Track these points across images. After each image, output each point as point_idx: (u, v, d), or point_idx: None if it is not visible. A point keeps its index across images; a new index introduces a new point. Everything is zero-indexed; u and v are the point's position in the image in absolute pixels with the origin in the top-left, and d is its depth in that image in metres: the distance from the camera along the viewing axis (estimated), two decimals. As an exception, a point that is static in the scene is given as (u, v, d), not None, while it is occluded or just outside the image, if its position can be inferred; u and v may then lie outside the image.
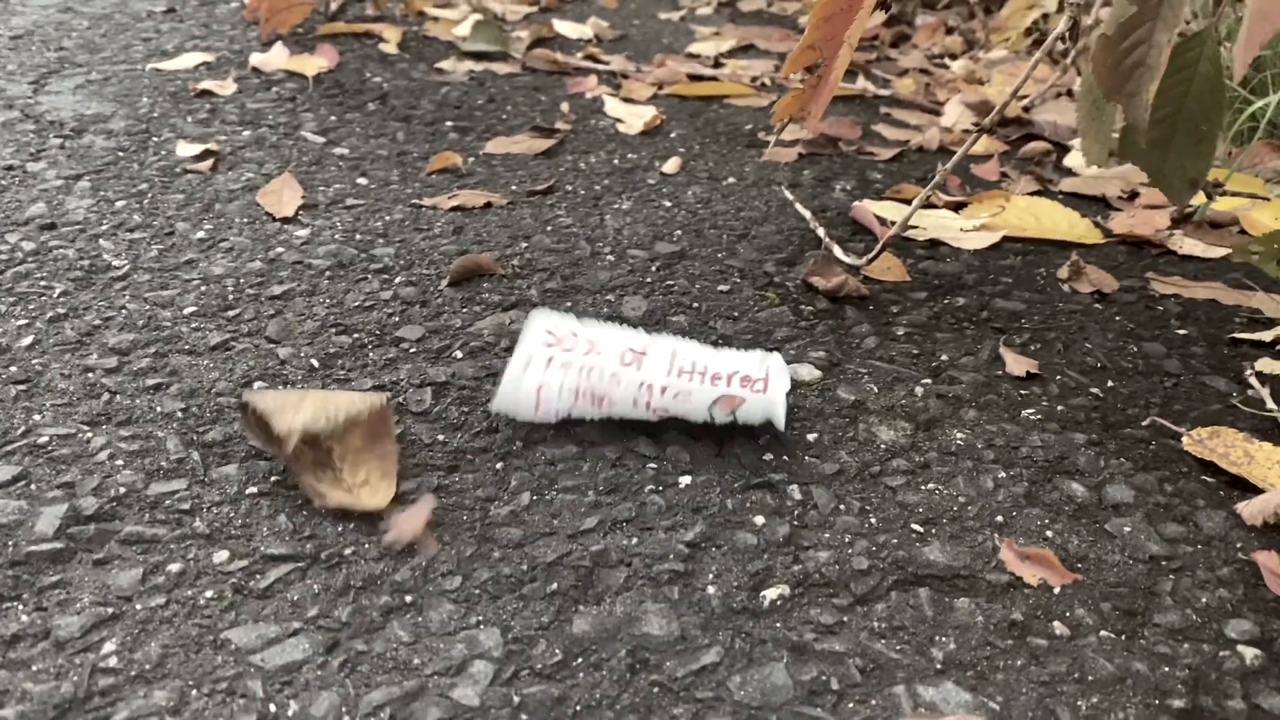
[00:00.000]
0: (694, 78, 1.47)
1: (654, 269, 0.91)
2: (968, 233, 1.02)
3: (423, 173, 1.11)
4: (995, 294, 0.90)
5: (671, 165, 1.16)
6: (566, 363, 0.68)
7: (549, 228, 0.99)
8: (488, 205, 1.03)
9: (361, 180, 1.09)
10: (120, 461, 0.64)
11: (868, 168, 1.20)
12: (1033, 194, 1.14)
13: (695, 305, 0.85)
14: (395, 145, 1.19)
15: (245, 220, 0.98)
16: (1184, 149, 0.74)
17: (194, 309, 0.82)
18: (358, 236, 0.95)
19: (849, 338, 0.82)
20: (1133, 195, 1.15)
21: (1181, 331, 0.85)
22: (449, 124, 1.27)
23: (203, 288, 0.85)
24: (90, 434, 0.67)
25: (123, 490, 0.62)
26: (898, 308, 0.87)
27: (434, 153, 1.17)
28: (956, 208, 1.08)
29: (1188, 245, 1.01)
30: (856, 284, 0.87)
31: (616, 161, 1.18)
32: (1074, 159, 1.24)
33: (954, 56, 1.64)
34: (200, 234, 0.95)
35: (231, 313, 0.82)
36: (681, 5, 1.95)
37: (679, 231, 0.99)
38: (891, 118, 1.38)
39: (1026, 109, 1.38)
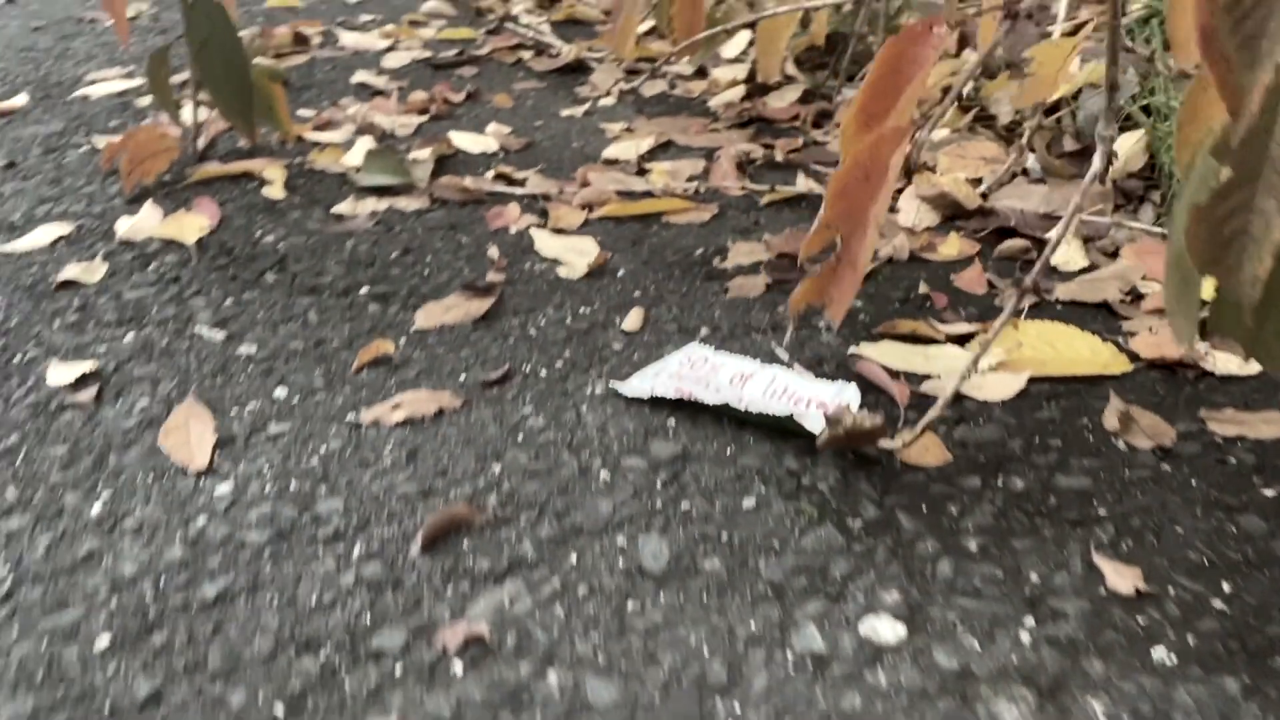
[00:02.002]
0: (623, 194, 1.34)
1: (659, 485, 0.77)
2: (987, 375, 0.91)
3: (350, 370, 0.95)
4: (1051, 466, 0.78)
5: (633, 320, 1.02)
6: (685, 376, 0.89)
7: (520, 437, 0.84)
8: (440, 413, 0.87)
9: (280, 391, 0.92)
10: None
11: (845, 294, 1.08)
12: (1033, 308, 1.04)
13: (724, 538, 0.71)
14: (309, 332, 1.02)
15: (151, 478, 0.80)
16: (1291, 319, 0.64)
17: (108, 640, 0.64)
18: (293, 485, 0.79)
19: (917, 562, 0.69)
20: (1134, 295, 1.05)
21: (1269, 492, 0.75)
22: (365, 291, 1.10)
23: (114, 601, 0.67)
24: None
25: None
26: (955, 506, 0.74)
27: (355, 336, 1.01)
28: (961, 341, 0.97)
29: (1221, 362, 0.92)
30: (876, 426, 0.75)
31: (569, 321, 1.04)
32: (1057, 256, 1.15)
33: (887, 134, 1.54)
34: (97, 509, 0.77)
35: (158, 638, 0.64)
36: (582, 97, 1.82)
37: (671, 420, 0.85)
38: (847, 221, 1.27)
39: (985, 195, 1.28)
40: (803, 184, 1.36)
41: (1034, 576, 0.67)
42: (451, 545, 0.72)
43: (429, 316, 1.04)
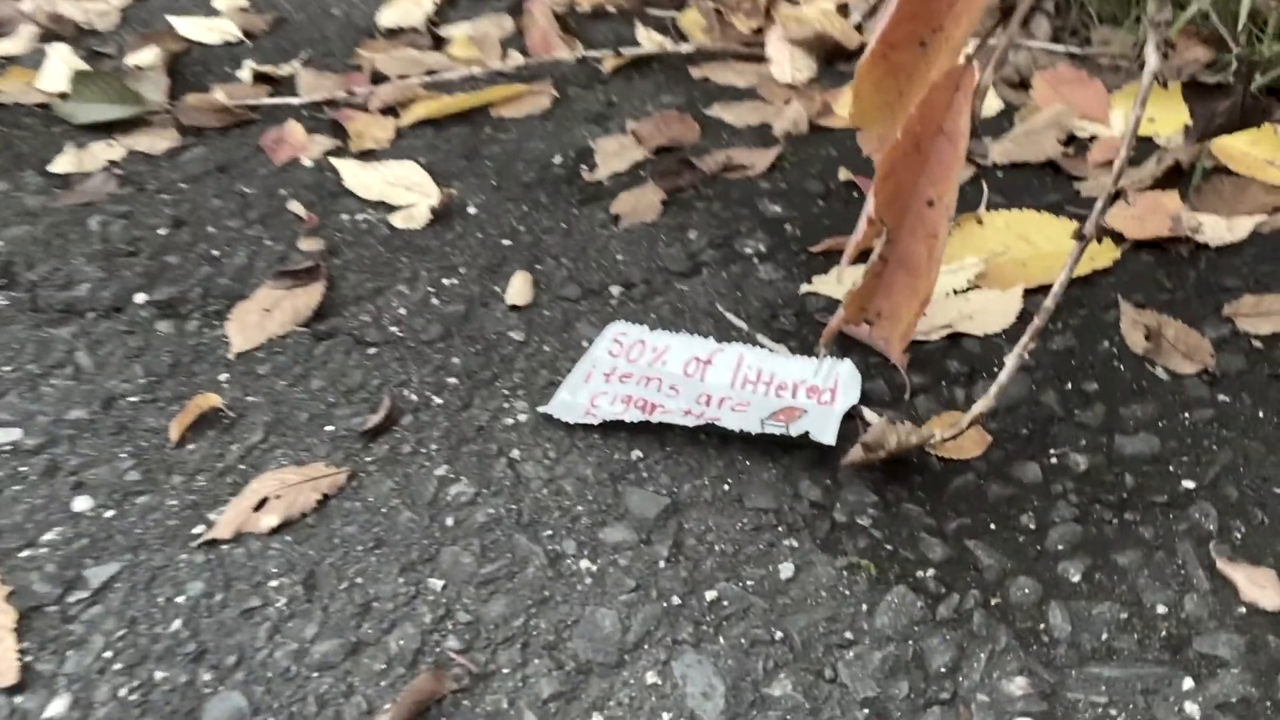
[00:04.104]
0: (432, 86, 1.07)
1: (662, 564, 0.59)
2: (972, 296, 0.76)
3: (170, 443, 0.70)
4: (1104, 426, 0.65)
5: (519, 289, 0.80)
6: (627, 374, 0.70)
7: (448, 521, 0.63)
8: (324, 500, 0.65)
9: (81, 502, 0.66)
10: None
11: (755, 196, 0.89)
12: (974, 180, 0.88)
13: (778, 636, 0.55)
14: (87, 387, 0.74)
15: (-65, 717, 0.55)
16: None
17: None
18: (159, 675, 0.55)
19: (1022, 618, 0.55)
20: (1074, 143, 0.92)
21: (1343, 411, 0.65)
22: (143, 300, 0.82)
23: None
24: None
25: None
26: (1027, 514, 0.60)
27: (155, 380, 0.75)
28: (921, 248, 0.81)
29: (1208, 227, 0.80)
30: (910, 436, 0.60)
31: (436, 301, 0.80)
32: (966, 98, 0.99)
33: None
34: None
35: None
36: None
37: (634, 449, 0.66)
38: (713, 85, 1.06)
39: (860, 28, 1.10)
40: (645, 38, 1.13)
41: (1158, 605, 0.55)
42: (428, 738, 0.52)
43: (246, 330, 0.78)
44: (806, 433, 0.62)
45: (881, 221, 0.49)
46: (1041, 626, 0.54)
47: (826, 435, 0.63)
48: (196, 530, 0.63)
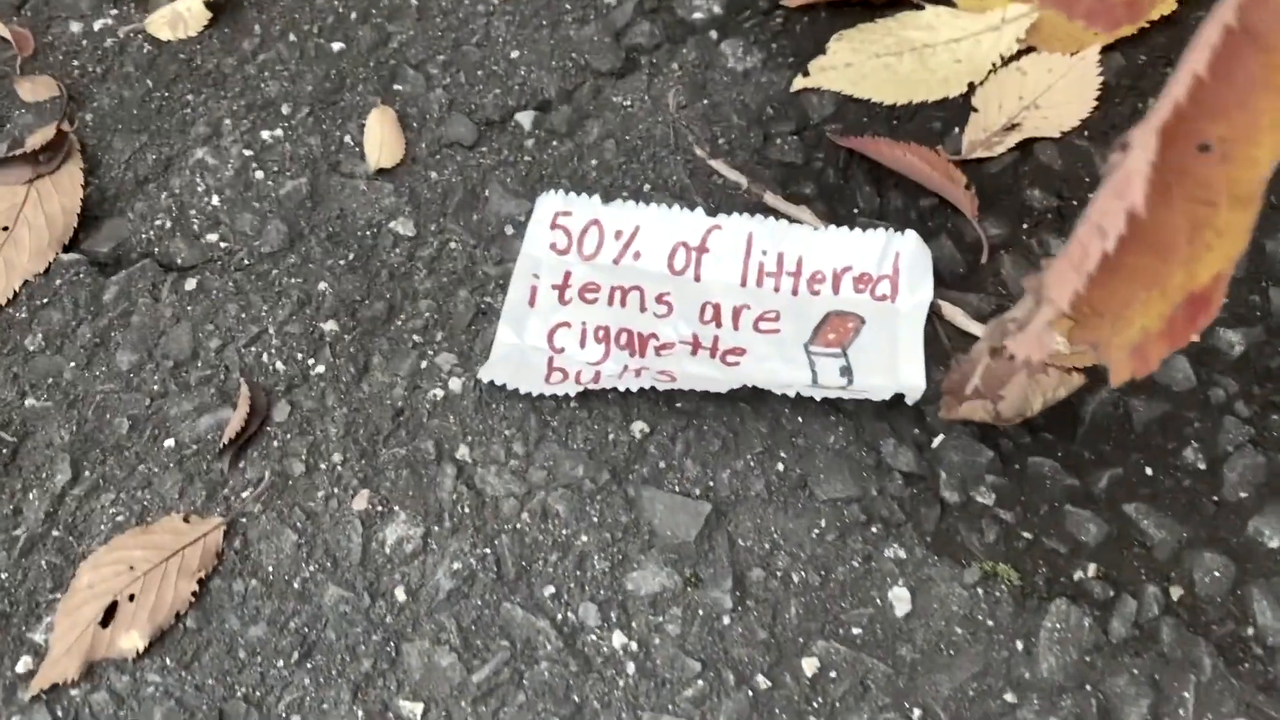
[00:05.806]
0: None
1: (725, 619, 0.42)
2: (1021, 63, 0.54)
3: (-73, 512, 0.46)
4: (1248, 276, 0.48)
5: (380, 136, 0.55)
6: (591, 286, 0.48)
7: (400, 593, 0.43)
8: (203, 584, 0.44)
9: None
10: None
11: (681, -89, 0.62)
12: None
13: (919, 717, 0.40)
14: None
15: None
16: None
17: None
18: None
19: (1213, 615, 0.41)
20: None
21: None
22: None
23: None
24: None
25: None
26: (1190, 448, 0.45)
27: None
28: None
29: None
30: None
31: (261, 176, 0.54)
32: None
33: None
34: None
35: None
36: None
37: (639, 424, 0.46)
38: None
39: None
40: None
41: (1384, 568, 0.42)
42: None
43: (-16, 273, 0.51)
44: (900, 394, 0.43)
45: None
46: (1249, 631, 0.41)
47: (911, 373, 0.44)
48: (22, 667, 0.42)
